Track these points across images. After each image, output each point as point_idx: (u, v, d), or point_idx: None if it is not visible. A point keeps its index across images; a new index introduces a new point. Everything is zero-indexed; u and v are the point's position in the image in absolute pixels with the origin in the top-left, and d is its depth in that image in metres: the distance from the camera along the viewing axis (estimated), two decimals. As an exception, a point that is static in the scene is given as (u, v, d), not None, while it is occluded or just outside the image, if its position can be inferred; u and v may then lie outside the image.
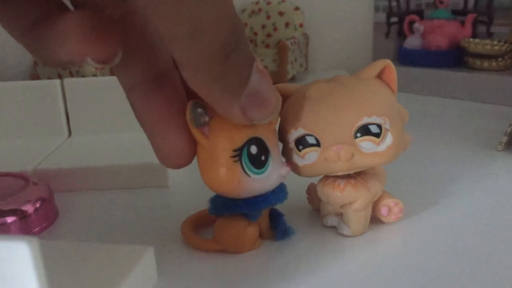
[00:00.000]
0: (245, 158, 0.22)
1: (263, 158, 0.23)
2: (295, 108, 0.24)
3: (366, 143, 0.23)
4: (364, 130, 0.23)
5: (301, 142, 0.24)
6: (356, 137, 0.23)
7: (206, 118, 0.22)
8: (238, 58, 0.18)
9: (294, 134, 0.24)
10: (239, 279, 0.23)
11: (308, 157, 0.24)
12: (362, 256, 0.24)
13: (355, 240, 0.26)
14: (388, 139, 0.24)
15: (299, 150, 0.24)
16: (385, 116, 0.23)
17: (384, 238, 0.26)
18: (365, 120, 0.23)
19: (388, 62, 0.24)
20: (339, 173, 0.25)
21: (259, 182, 0.23)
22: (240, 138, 0.22)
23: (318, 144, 0.24)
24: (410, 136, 0.26)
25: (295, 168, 0.25)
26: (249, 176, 0.23)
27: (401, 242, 0.26)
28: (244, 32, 0.19)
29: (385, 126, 0.24)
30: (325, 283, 0.22)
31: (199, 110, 0.22)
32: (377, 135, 0.23)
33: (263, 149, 0.23)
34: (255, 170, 0.23)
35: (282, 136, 0.25)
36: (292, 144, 0.25)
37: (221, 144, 0.22)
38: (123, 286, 0.20)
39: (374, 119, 0.23)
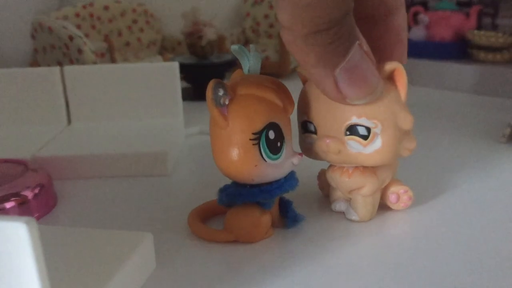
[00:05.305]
0: (263, 142, 0.22)
1: (278, 144, 0.23)
2: (306, 94, 0.25)
3: (353, 143, 0.23)
4: (352, 130, 0.23)
5: (304, 126, 0.25)
6: (346, 134, 0.23)
7: (227, 100, 0.22)
8: (340, 32, 0.19)
9: (302, 117, 0.25)
10: (239, 267, 0.23)
11: (309, 141, 0.25)
12: (368, 241, 0.24)
13: (363, 225, 0.26)
14: (377, 143, 0.23)
15: (303, 133, 0.25)
16: (377, 120, 0.23)
17: (391, 224, 0.26)
18: (353, 120, 0.23)
19: (396, 65, 0.23)
20: (335, 164, 0.25)
21: (273, 168, 0.23)
22: (260, 122, 0.22)
23: (316, 132, 0.25)
24: (414, 143, 0.24)
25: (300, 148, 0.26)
26: (265, 161, 0.23)
27: (408, 229, 0.26)
28: (351, 10, 0.20)
29: (375, 130, 0.23)
30: (330, 268, 0.22)
31: (221, 90, 0.22)
32: (364, 137, 0.23)
33: (280, 136, 0.23)
34: (271, 155, 0.23)
35: (298, 115, 0.26)
36: (299, 126, 0.26)
37: (241, 126, 0.22)
38: (121, 271, 0.20)
39: (363, 121, 0.23)
